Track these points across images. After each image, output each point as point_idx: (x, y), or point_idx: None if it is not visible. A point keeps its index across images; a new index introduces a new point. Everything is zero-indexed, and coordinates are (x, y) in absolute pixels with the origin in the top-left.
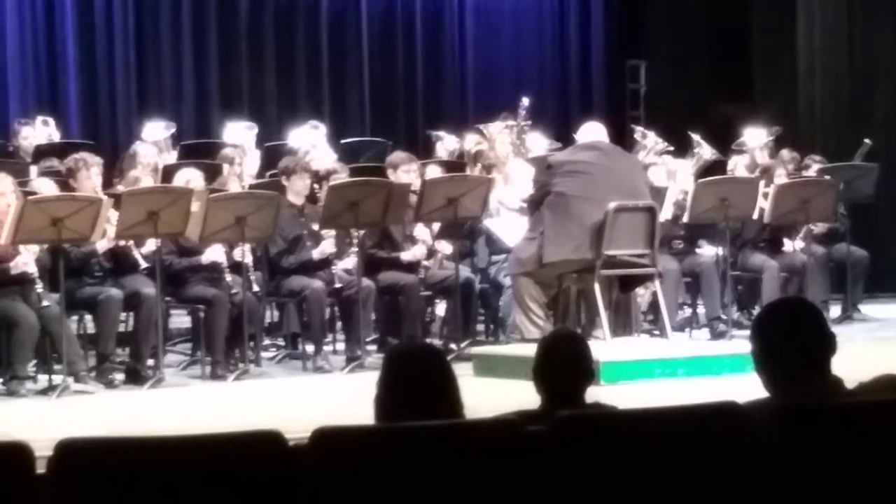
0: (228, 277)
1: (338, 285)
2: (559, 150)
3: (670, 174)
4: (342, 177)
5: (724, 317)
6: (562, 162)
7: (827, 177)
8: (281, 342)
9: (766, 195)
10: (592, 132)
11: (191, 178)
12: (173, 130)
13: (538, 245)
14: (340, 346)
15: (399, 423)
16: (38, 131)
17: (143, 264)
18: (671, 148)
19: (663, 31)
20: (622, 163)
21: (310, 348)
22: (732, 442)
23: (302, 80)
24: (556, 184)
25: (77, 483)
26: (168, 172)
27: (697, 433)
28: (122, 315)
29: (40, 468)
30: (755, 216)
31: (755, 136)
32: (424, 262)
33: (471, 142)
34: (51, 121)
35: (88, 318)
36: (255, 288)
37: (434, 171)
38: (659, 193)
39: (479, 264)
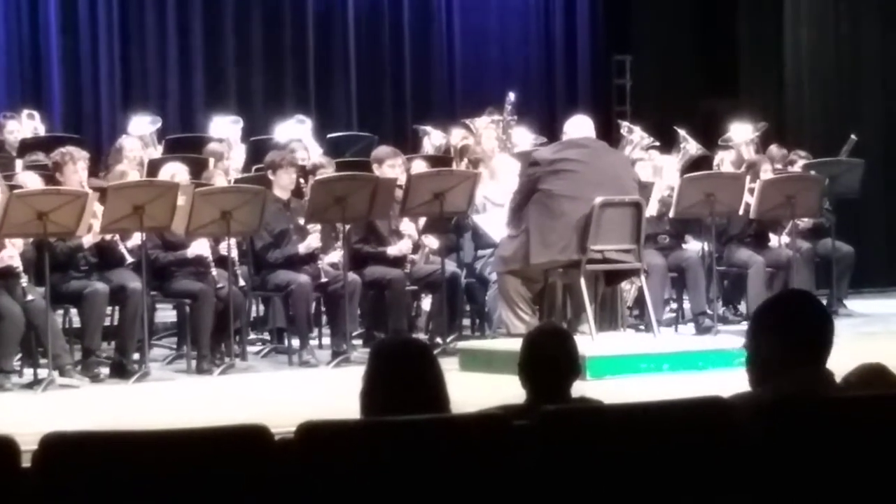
0: (214, 272)
1: (324, 280)
2: (543, 146)
3: (656, 170)
4: (328, 171)
5: (709, 312)
6: (549, 160)
7: (812, 172)
8: (266, 336)
9: (751, 191)
10: (580, 127)
11: (176, 172)
12: (159, 125)
13: (521, 243)
14: (326, 340)
15: (385, 418)
16: (24, 125)
17: (129, 258)
18: (657, 143)
19: (649, 26)
20: (609, 159)
21: (295, 343)
22: (717, 436)
23: (288, 73)
24: (543, 181)
25: (62, 477)
26: (153, 167)
27: (683, 428)
28: (108, 309)
29: (25, 462)
30: (741, 212)
31: (741, 132)
32: (410, 257)
33: (457, 136)
34: (36, 114)
35: (74, 312)
36: (241, 282)
37: (419, 166)
38: (645, 189)
39: (465, 259)
